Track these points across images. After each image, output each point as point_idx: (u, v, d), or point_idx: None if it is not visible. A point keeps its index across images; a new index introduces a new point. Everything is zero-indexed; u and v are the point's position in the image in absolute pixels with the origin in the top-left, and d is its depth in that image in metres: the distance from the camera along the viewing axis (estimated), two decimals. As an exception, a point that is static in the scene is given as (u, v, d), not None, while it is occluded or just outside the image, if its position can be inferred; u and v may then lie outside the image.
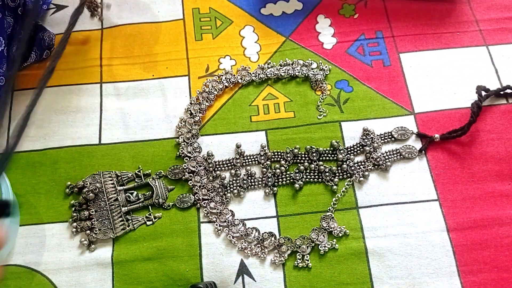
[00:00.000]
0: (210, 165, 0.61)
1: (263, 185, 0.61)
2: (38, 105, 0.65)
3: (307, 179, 0.61)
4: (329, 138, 0.63)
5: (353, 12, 0.73)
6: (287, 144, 0.63)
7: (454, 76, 0.68)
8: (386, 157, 0.62)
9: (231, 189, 0.60)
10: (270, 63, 0.69)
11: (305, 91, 0.67)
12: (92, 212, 0.59)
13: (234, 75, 0.68)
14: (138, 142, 0.64)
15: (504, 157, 0.61)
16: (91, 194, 0.59)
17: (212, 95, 0.66)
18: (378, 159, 0.61)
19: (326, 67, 0.68)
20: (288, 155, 0.62)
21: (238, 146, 0.62)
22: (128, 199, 0.60)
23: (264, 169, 0.61)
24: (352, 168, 0.61)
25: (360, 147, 0.62)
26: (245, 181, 0.60)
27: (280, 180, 0.61)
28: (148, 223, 0.59)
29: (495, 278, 0.54)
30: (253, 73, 0.68)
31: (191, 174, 0.61)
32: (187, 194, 0.60)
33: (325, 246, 0.56)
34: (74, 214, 0.59)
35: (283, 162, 0.62)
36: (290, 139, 0.63)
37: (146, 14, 0.74)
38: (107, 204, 0.59)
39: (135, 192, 0.61)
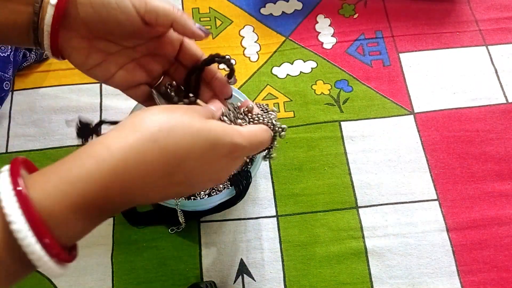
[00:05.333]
0: None
1: None
2: (38, 105, 0.67)
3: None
4: (329, 137, 0.63)
5: (352, 12, 0.73)
6: (287, 144, 0.63)
7: (453, 76, 0.68)
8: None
9: None
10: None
11: (305, 91, 0.67)
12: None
13: None
14: (138, 142, 0.64)
15: (504, 157, 0.62)
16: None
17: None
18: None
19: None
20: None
21: None
22: (128, 199, 0.60)
23: None
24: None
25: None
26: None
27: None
28: (148, 223, 0.59)
29: (495, 277, 0.55)
30: None
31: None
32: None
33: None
34: (74, 214, 0.59)
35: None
36: (290, 138, 0.63)
37: (146, 14, 0.74)
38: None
39: (135, 192, 0.60)
